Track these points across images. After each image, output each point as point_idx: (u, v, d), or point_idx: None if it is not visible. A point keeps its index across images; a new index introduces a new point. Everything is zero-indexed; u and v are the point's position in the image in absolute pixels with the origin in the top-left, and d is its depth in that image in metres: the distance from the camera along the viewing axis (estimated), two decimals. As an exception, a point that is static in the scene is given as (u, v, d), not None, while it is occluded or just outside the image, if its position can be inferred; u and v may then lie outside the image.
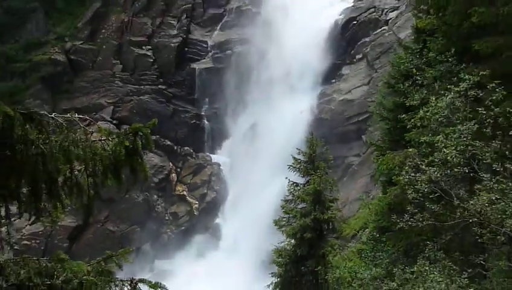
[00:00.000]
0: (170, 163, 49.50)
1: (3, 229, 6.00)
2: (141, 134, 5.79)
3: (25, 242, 42.14)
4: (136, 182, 5.94)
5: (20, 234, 41.38)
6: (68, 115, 5.80)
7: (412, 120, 15.43)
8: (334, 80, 47.70)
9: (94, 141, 5.66)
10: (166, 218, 47.95)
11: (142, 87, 51.98)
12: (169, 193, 48.76)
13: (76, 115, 6.01)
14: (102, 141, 5.73)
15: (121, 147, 5.70)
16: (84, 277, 6.02)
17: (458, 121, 12.40)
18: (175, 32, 53.60)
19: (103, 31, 54.01)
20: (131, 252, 6.98)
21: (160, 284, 6.36)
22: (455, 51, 16.65)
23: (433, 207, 12.12)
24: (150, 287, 6.31)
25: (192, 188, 49.02)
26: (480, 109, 12.47)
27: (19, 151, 5.31)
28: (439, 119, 12.87)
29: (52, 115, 5.65)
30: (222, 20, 54.23)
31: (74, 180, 5.62)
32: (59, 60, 52.35)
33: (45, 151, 5.37)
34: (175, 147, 50.25)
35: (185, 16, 54.28)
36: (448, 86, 13.57)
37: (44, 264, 6.15)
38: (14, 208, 5.73)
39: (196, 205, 48.15)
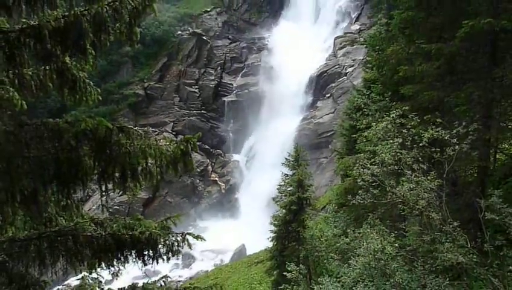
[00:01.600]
0: (208, 159, 49.48)
1: (104, 198, 6.01)
2: (191, 142, 5.78)
3: (116, 207, 42.14)
4: (186, 171, 5.92)
5: (112, 202, 41.44)
6: (146, 129, 5.82)
7: (360, 137, 15.38)
8: (312, 110, 47.54)
9: (161, 145, 5.67)
10: (204, 194, 47.88)
11: (191, 111, 52.08)
12: (206, 178, 48.72)
13: (150, 129, 6.01)
14: (166, 145, 5.72)
15: (178, 149, 5.68)
16: (153, 230, 6.00)
17: (390, 138, 12.25)
18: (213, 77, 53.66)
19: (168, 76, 54.16)
20: (181, 215, 6.95)
21: (200, 236, 6.31)
22: (389, 93, 16.53)
23: (374, 191, 11.98)
24: (194, 237, 6.27)
25: (221, 176, 48.99)
26: (403, 130, 12.34)
27: (114, 150, 5.36)
28: (378, 136, 12.73)
29: (136, 128, 5.67)
30: (242, 70, 54.23)
31: (148, 169, 5.63)
32: (140, 93, 52.54)
33: (130, 151, 5.41)
34: (211, 150, 50.25)
35: (219, 67, 54.35)
36: (384, 116, 13.43)
37: (128, 221, 6.14)
38: (110, 186, 5.79)
39: (223, 186, 48.09)
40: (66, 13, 4.94)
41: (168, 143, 5.76)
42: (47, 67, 5.35)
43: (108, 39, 5.07)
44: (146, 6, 4.93)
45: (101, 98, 5.79)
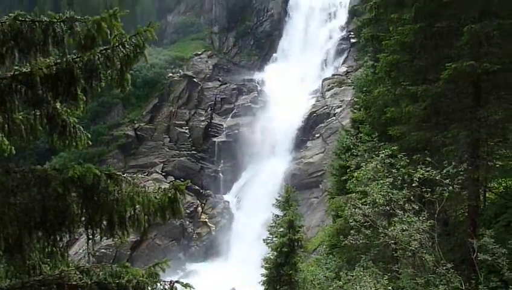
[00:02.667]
0: (197, 200, 48.88)
1: (90, 245, 5.85)
2: (179, 189, 5.72)
3: (103, 251, 40.98)
4: (175, 218, 5.82)
5: (99, 245, 40.33)
6: (134, 175, 5.77)
7: (351, 177, 15.39)
8: (301, 150, 47.78)
9: (149, 192, 5.60)
10: (194, 236, 46.95)
11: (182, 152, 51.95)
12: (196, 219, 47.91)
13: (140, 176, 5.96)
14: (154, 192, 5.65)
15: (165, 197, 5.61)
16: (140, 278, 5.82)
17: (380, 178, 12.29)
18: (203, 118, 53.98)
19: (158, 117, 54.39)
20: (170, 260, 6.75)
21: (188, 284, 6.12)
22: (377, 134, 16.71)
23: (366, 232, 11.87)
24: (182, 285, 6.08)
25: (211, 217, 48.22)
26: (393, 170, 12.42)
27: (102, 197, 5.28)
28: (368, 177, 12.77)
29: (125, 175, 5.62)
30: (232, 111, 54.74)
31: (136, 217, 5.54)
32: (130, 134, 52.50)
33: (118, 198, 5.32)
34: (201, 190, 49.73)
35: (210, 108, 54.82)
36: (373, 156, 13.53)
37: (114, 269, 5.96)
38: (97, 233, 5.62)
39: (213, 228, 47.25)
40: (59, 60, 5.01)
41: (156, 190, 5.69)
42: (37, 113, 5.37)
43: (100, 85, 5.12)
44: (137, 53, 5.02)
45: (90, 143, 5.76)
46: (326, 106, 48.67)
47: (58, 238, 5.50)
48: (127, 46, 5.00)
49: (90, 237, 5.65)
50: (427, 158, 12.26)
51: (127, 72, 5.11)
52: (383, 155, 12.54)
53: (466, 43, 13.00)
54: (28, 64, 5.01)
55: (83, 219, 5.37)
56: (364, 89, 20.78)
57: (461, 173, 12.09)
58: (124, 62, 5.01)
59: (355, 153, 16.56)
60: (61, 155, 45.60)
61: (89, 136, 5.78)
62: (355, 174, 14.16)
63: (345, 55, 53.87)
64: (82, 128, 5.73)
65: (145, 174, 49.38)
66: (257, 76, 58.49)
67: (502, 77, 13.50)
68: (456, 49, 13.71)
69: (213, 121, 53.84)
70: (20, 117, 5.53)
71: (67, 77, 4.99)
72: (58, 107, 5.38)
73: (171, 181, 48.23)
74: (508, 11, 13.36)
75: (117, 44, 5.00)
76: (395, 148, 13.31)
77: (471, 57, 12.93)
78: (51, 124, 5.42)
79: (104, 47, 5.05)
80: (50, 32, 4.79)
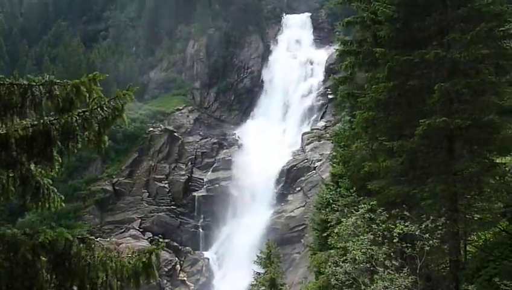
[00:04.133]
0: (176, 258, 47.38)
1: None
2: (154, 253, 5.57)
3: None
4: (149, 282, 5.62)
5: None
6: (108, 240, 5.62)
7: (332, 233, 15.27)
8: (282, 203, 47.57)
9: (123, 257, 5.43)
10: (172, 296, 45.09)
11: (160, 207, 51.03)
12: (175, 278, 46.18)
13: (114, 240, 5.80)
14: (128, 257, 5.47)
15: (139, 262, 5.44)
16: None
17: (360, 233, 12.23)
18: (183, 172, 53.66)
19: (138, 171, 53.84)
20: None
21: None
22: (356, 188, 16.79)
23: (347, 290, 11.62)
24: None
25: (190, 275, 46.63)
26: (373, 226, 12.40)
27: (73, 263, 5.07)
28: (349, 232, 12.70)
29: (98, 239, 5.47)
30: (213, 165, 54.70)
31: (108, 283, 5.32)
32: (108, 189, 51.54)
33: (90, 263, 5.13)
34: (180, 247, 48.39)
35: (190, 162, 54.70)
36: (353, 211, 13.53)
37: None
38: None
39: (192, 287, 45.57)
40: (35, 122, 5.00)
41: (130, 254, 5.52)
42: (11, 174, 5.27)
43: (76, 147, 5.10)
44: (116, 116, 5.06)
45: (63, 205, 5.62)
46: (307, 159, 49.17)
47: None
48: (106, 109, 5.05)
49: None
50: (406, 213, 12.33)
51: (104, 134, 5.12)
52: (362, 210, 12.57)
53: (438, 100, 13.55)
54: (3, 125, 4.98)
55: (52, 285, 5.12)
56: (342, 143, 21.16)
57: (440, 227, 12.15)
58: (101, 124, 5.03)
59: (335, 208, 16.52)
60: (35, 212, 44.16)
61: (63, 197, 5.65)
62: (336, 229, 14.07)
63: (323, 110, 55.34)
64: (56, 190, 5.61)
65: (122, 230, 47.98)
66: (238, 130, 59.22)
67: (474, 132, 13.97)
68: (429, 105, 14.23)
69: (193, 175, 53.52)
70: (-8, 177, 5.40)
71: (43, 139, 4.96)
72: (32, 168, 5.29)
73: (149, 237, 46.92)
74: (474, 70, 14.12)
75: (95, 107, 5.05)
76: (374, 203, 13.36)
77: (444, 114, 13.42)
78: (24, 185, 5.31)
79: (83, 109, 5.08)
80: (28, 95, 4.82)
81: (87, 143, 5.11)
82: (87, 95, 4.92)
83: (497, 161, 14.35)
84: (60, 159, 5.20)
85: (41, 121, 4.98)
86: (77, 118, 5.00)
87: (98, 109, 5.02)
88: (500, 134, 13.61)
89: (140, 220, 49.74)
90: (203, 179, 52.99)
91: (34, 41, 68.96)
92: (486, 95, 13.60)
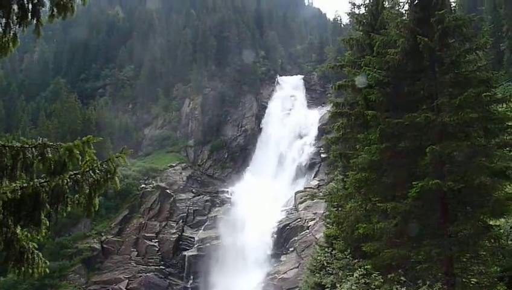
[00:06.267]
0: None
1: None
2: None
3: None
4: None
5: None
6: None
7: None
8: (276, 264, 46.26)
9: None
10: None
11: (149, 267, 49.35)
12: None
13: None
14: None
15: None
16: None
17: (356, 299, 11.80)
18: (174, 231, 52.54)
19: (127, 229, 52.62)
20: None
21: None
22: (351, 250, 16.44)
23: None
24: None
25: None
26: (369, 290, 12.01)
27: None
28: (344, 298, 12.25)
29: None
30: (205, 223, 53.73)
31: None
32: (96, 247, 50.02)
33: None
34: (168, 310, 46.33)
35: (181, 220, 53.75)
36: (348, 274, 13.17)
37: None
38: None
39: None
40: (25, 184, 4.92)
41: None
42: (-5, 237, 5.09)
43: (65, 210, 4.99)
44: (108, 179, 5.02)
45: (47, 272, 5.39)
46: (300, 218, 48.55)
47: None
48: (98, 172, 5.00)
49: None
50: (402, 277, 12.00)
51: (96, 197, 5.04)
52: (357, 274, 12.21)
53: (430, 162, 13.67)
54: (-7, 188, 4.89)
55: None
56: (336, 203, 20.98)
57: (437, 292, 11.79)
58: (93, 187, 4.97)
59: (329, 271, 16.07)
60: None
61: (47, 263, 5.44)
62: (331, 295, 13.58)
63: (316, 169, 55.52)
64: (40, 255, 5.41)
65: (108, 292, 46.07)
66: (231, 188, 58.89)
67: (467, 194, 13.98)
68: (421, 167, 14.33)
69: (184, 233, 52.39)
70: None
71: (32, 202, 4.87)
72: (18, 232, 5.13)
73: (136, 300, 45.00)
74: (464, 133, 14.39)
75: (87, 169, 5.01)
76: (368, 266, 13.04)
77: (436, 176, 13.48)
78: (8, 249, 5.12)
79: (74, 172, 5.03)
80: (20, 158, 4.78)
81: (77, 206, 5.00)
82: (80, 157, 4.88)
83: (491, 223, 14.24)
84: (47, 222, 5.06)
85: (31, 183, 4.90)
86: (68, 180, 4.94)
87: (90, 171, 4.97)
88: (492, 196, 13.62)
89: (127, 280, 47.87)
90: (194, 238, 51.80)
91: (31, 97, 70.13)
92: (477, 158, 13.75)
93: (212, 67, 71.25)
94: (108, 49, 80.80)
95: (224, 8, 79.27)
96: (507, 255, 13.96)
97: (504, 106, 14.76)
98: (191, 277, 48.97)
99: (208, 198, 56.79)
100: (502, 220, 14.68)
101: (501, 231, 14.09)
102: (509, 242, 14.23)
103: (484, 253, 13.90)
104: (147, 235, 51.68)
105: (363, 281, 12.13)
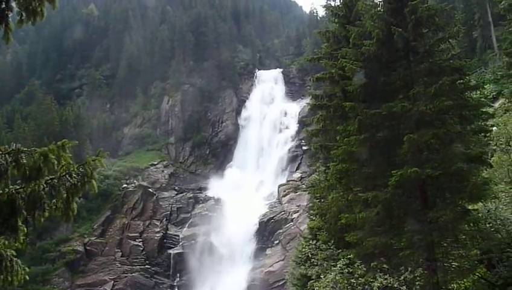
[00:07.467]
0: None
1: None
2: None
3: None
4: None
5: None
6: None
7: (312, 288, 14.91)
8: (261, 258, 46.47)
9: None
10: None
11: (134, 267, 48.98)
12: None
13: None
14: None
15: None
16: None
17: None
18: (158, 229, 52.20)
19: (110, 230, 52.05)
20: None
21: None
22: (334, 241, 16.60)
23: None
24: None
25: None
26: (352, 280, 12.18)
27: None
28: (328, 289, 12.41)
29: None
30: (189, 221, 53.52)
31: None
32: (79, 249, 49.36)
33: None
34: (155, 309, 46.12)
35: (165, 219, 53.42)
36: (332, 265, 13.32)
37: None
38: None
39: None
40: (0, 191, 4.81)
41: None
42: (-29, 246, 4.97)
43: (43, 215, 4.90)
44: (85, 182, 4.95)
45: (28, 279, 5.29)
46: (284, 211, 48.83)
47: None
48: (75, 176, 4.93)
49: None
50: (385, 265, 12.21)
51: (73, 202, 4.96)
52: (340, 264, 12.37)
53: (408, 150, 13.89)
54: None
55: None
56: (318, 195, 21.16)
57: (418, 278, 12.04)
58: (70, 191, 4.89)
59: (314, 263, 16.23)
60: None
61: (27, 269, 5.35)
62: (316, 288, 13.73)
63: (298, 162, 55.82)
64: (19, 262, 5.30)
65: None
66: (214, 184, 58.72)
67: (445, 181, 14.27)
68: (400, 156, 14.56)
69: (168, 231, 52.12)
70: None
71: (7, 208, 4.76)
72: (-6, 240, 5.02)
73: (122, 301, 44.65)
74: (440, 120, 14.66)
75: (64, 173, 4.92)
76: (351, 256, 13.21)
77: (415, 164, 13.72)
78: (-16, 259, 5.00)
79: (50, 177, 4.94)
80: (-7, 165, 4.66)
81: (54, 211, 4.92)
82: (56, 162, 4.79)
83: (470, 208, 14.58)
84: (25, 229, 4.96)
85: (6, 190, 4.79)
86: (44, 185, 4.85)
87: (67, 175, 4.89)
88: (469, 181, 13.93)
89: (112, 282, 47.43)
90: (178, 236, 51.57)
91: (5, 99, 68.33)
92: (453, 144, 14.04)
93: (190, 64, 70.70)
94: (84, 48, 79.27)
95: (200, 4, 78.57)
96: (486, 238, 14.32)
97: (478, 92, 15.09)
98: (177, 275, 48.82)
99: (191, 195, 56.55)
100: (480, 204, 15.03)
101: (479, 215, 14.43)
102: (487, 225, 14.59)
103: (464, 237, 14.24)
104: (130, 235, 51.22)
105: (346, 270, 12.29)
